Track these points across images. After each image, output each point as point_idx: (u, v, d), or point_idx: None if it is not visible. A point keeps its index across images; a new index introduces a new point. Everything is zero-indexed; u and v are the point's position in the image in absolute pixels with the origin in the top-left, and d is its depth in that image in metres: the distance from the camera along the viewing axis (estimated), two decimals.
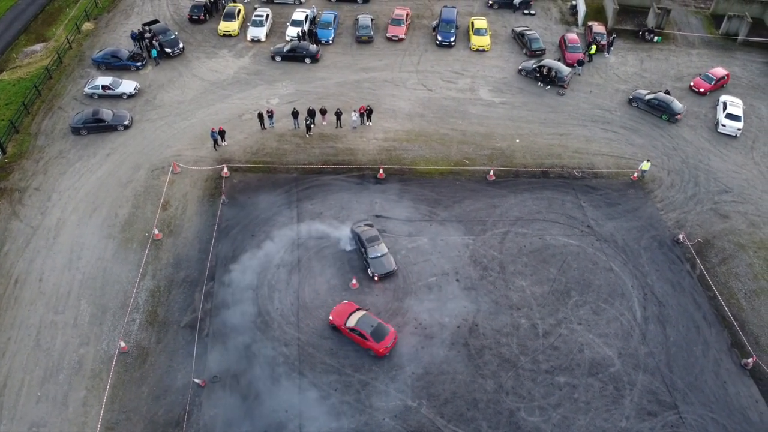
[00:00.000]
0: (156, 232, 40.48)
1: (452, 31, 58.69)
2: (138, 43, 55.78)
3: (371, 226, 40.55)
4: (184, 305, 37.00)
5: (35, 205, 42.37)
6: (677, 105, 51.30)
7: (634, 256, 41.01)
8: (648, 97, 52.01)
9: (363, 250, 39.06)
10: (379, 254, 38.71)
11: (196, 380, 33.38)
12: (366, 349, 34.89)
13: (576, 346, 36.02)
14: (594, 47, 57.12)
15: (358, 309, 36.06)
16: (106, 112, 47.90)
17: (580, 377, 34.63)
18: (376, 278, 38.48)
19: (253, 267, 39.03)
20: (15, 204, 42.46)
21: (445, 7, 61.26)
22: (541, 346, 35.96)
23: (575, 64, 55.52)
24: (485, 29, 59.01)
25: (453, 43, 58.59)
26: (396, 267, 38.99)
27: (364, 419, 32.38)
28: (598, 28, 59.31)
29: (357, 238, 39.80)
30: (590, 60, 56.96)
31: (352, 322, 35.02)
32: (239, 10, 59.81)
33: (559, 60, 56.22)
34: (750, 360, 35.61)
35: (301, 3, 63.41)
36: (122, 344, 34.62)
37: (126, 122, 47.90)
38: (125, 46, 55.76)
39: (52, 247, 39.71)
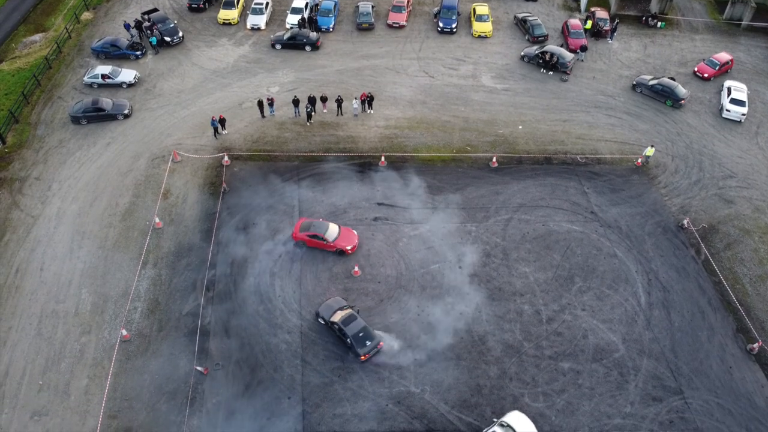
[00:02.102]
0: (157, 220, 40.26)
1: (454, 17, 58.17)
2: (138, 32, 55.39)
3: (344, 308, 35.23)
4: (185, 293, 36.82)
5: (35, 195, 42.16)
6: (681, 90, 50.80)
7: (638, 242, 40.70)
8: (652, 82, 51.49)
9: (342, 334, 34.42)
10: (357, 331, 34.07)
11: (198, 368, 33.25)
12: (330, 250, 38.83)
13: (580, 332, 35.79)
14: (590, 22, 56.61)
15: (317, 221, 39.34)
16: (106, 101, 47.60)
17: (584, 363, 34.41)
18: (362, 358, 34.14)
19: (255, 255, 38.82)
20: (15, 194, 42.25)
21: None
22: (544, 332, 35.74)
23: (578, 50, 55.02)
24: (487, 15, 58.45)
25: (455, 30, 58.07)
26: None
27: (367, 405, 32.22)
28: (600, 13, 58.78)
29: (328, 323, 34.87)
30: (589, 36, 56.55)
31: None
32: None
33: (561, 46, 55.70)
34: (756, 345, 35.35)
35: None
36: (124, 332, 34.47)
37: (126, 111, 47.60)
38: (124, 36, 55.39)
39: (53, 237, 39.53)
